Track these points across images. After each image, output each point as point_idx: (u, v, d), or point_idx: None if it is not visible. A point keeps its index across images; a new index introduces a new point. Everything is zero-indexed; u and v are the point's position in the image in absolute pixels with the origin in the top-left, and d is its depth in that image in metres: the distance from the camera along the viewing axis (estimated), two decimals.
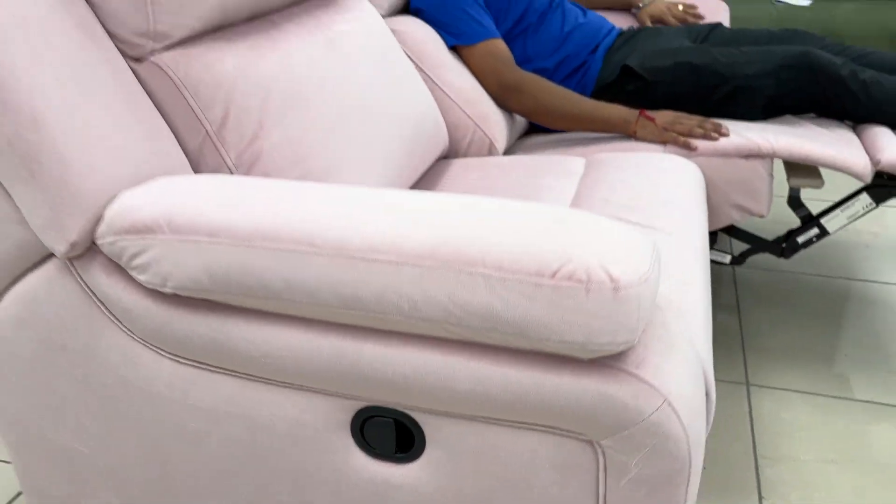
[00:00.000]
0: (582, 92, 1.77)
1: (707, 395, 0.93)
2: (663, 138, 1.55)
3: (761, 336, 1.75)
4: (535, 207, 0.79)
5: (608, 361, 0.75)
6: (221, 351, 0.85)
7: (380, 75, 1.32)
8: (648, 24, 2.13)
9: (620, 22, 2.20)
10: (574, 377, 0.75)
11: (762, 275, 2.02)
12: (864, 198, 1.53)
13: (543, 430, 0.79)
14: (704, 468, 1.37)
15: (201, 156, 1.01)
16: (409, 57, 1.60)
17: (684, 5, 2.15)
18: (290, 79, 1.10)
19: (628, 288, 0.70)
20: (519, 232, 0.74)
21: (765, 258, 2.09)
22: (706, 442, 1.39)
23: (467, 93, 1.63)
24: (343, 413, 0.85)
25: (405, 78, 1.43)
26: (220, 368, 0.87)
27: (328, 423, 0.86)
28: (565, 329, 0.71)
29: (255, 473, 0.91)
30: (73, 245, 0.84)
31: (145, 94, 0.97)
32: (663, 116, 1.57)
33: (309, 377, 0.82)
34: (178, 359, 0.88)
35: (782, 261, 2.08)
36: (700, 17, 2.16)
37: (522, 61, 1.79)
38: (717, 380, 1.60)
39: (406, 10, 1.75)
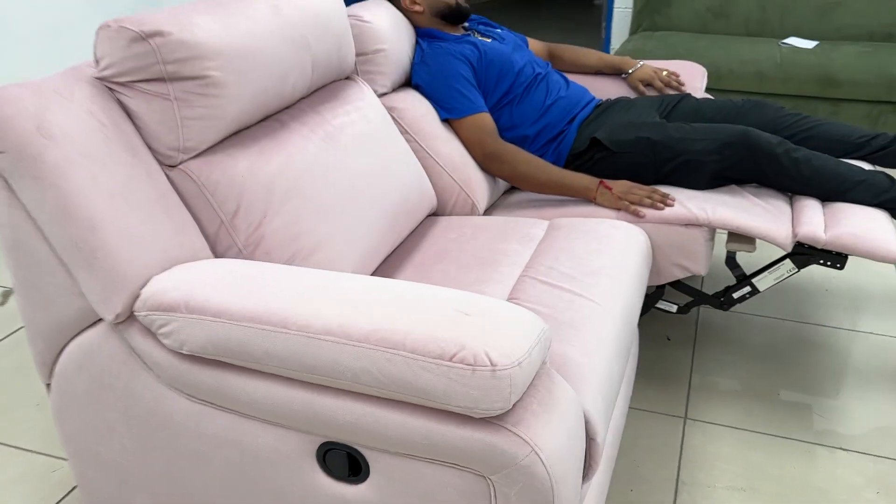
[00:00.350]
0: (557, 158, 2.04)
1: (594, 439, 1.20)
2: (617, 206, 1.81)
3: (709, 374, 2.00)
4: (450, 297, 1.07)
5: (493, 420, 1.03)
6: (222, 395, 1.15)
7: (371, 160, 1.62)
8: (640, 87, 2.34)
9: (612, 86, 2.43)
10: (469, 430, 1.03)
11: (723, 316, 2.27)
12: (788, 263, 1.77)
13: (451, 465, 1.07)
14: (631, 490, 1.64)
15: (217, 238, 1.32)
16: (406, 130, 1.89)
17: (668, 72, 2.38)
18: (290, 176, 1.41)
19: (504, 370, 0.98)
20: (430, 322, 1.02)
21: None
22: (637, 466, 1.65)
23: (455, 161, 1.92)
24: (309, 445, 1.15)
25: (396, 156, 1.72)
26: (221, 407, 1.18)
27: (299, 451, 1.16)
28: (457, 398, 0.99)
29: (246, 488, 1.22)
30: (117, 315, 1.16)
31: (175, 194, 1.28)
32: (620, 186, 1.84)
33: (283, 418, 1.12)
34: (191, 398, 1.19)
35: (745, 303, 2.32)
36: (681, 83, 2.39)
37: (508, 127, 2.06)
38: (658, 412, 1.86)
39: (409, 83, 2.04)
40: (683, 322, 2.24)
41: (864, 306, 2.31)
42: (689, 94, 2.22)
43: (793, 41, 3.82)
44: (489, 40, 2.12)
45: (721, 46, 3.77)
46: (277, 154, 1.42)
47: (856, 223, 1.71)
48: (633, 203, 1.80)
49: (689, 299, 2.25)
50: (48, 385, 1.33)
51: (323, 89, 1.70)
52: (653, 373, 2.01)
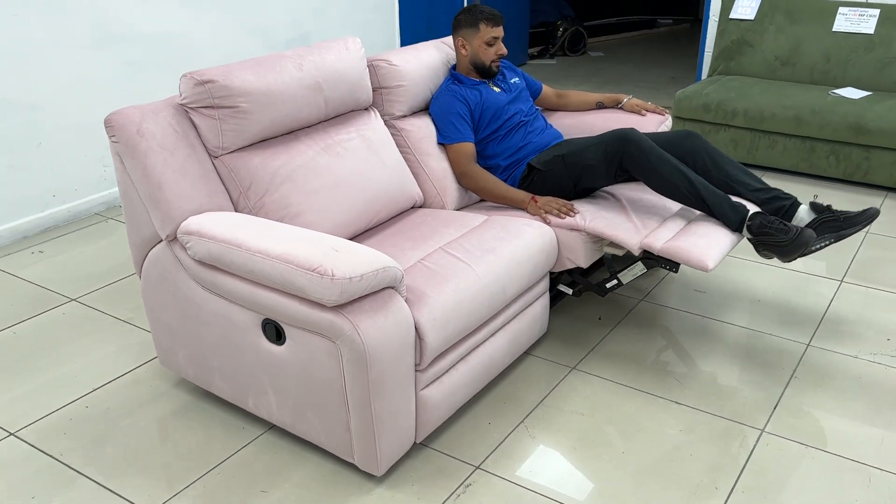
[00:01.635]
0: (513, 182, 2.77)
1: (423, 339, 1.97)
2: (537, 213, 2.53)
3: (614, 344, 2.65)
4: (335, 243, 1.89)
5: (337, 308, 1.83)
6: (216, 286, 2.04)
7: (356, 165, 2.46)
8: (634, 111, 3.08)
9: (613, 115, 3.11)
10: (325, 313, 1.84)
11: (650, 308, 2.88)
12: (640, 264, 2.41)
13: (318, 334, 1.89)
14: (504, 403, 2.35)
15: (238, 202, 2.22)
16: (408, 146, 2.72)
17: (648, 105, 3.07)
18: (288, 168, 2.29)
19: (337, 280, 1.78)
20: (315, 252, 1.84)
21: (665, 295, 2.93)
22: (517, 390, 2.33)
23: (438, 173, 2.72)
24: (256, 319, 2.01)
25: (383, 164, 2.55)
26: (216, 294, 2.07)
27: (252, 324, 2.02)
28: (315, 293, 1.81)
29: (229, 345, 2.11)
30: (167, 236, 2.09)
31: (216, 173, 2.20)
32: (543, 200, 2.55)
33: (244, 301, 2.00)
34: (203, 288, 2.10)
35: (672, 298, 2.91)
36: (661, 111, 3.07)
37: (489, 156, 2.80)
38: (555, 362, 2.54)
39: (426, 109, 2.85)
40: (618, 307, 2.88)
41: (746, 306, 2.82)
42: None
43: (844, 91, 4.20)
44: (497, 90, 2.84)
45: (772, 92, 4.24)
46: (282, 155, 2.31)
47: (692, 239, 2.33)
48: (546, 213, 2.52)
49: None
50: (140, 277, 2.30)
51: (340, 116, 2.57)
52: (569, 338, 2.69)
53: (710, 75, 4.84)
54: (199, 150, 2.19)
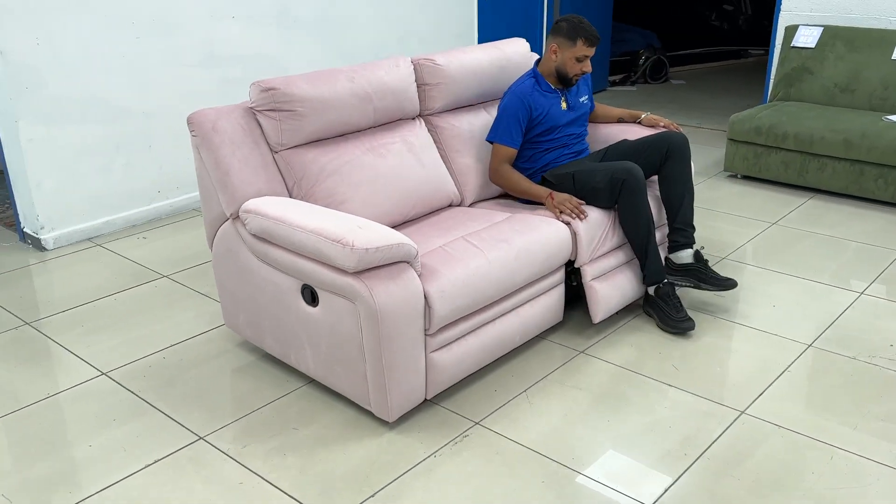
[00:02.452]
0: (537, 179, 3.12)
1: (431, 307, 2.32)
2: (551, 209, 2.84)
3: (627, 334, 2.91)
4: (359, 221, 2.28)
5: (357, 274, 2.21)
6: (266, 256, 2.47)
7: (396, 164, 2.85)
8: (653, 125, 3.36)
9: (633, 128, 3.39)
10: (347, 278, 2.23)
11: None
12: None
13: (343, 296, 2.28)
14: (512, 376, 2.67)
15: (292, 190, 2.66)
16: (440, 142, 3.10)
17: (663, 122, 3.35)
18: (336, 164, 2.70)
19: (355, 250, 2.16)
20: (341, 227, 2.24)
21: (687, 293, 3.17)
22: (529, 364, 2.63)
23: (462, 168, 3.10)
24: (296, 285, 2.42)
25: (421, 166, 2.94)
26: (267, 263, 2.50)
27: (293, 288, 2.43)
28: (339, 260, 2.20)
29: (277, 307, 2.53)
30: (231, 214, 2.54)
31: (275, 165, 2.64)
32: (559, 197, 2.86)
33: (287, 269, 2.41)
34: (258, 259, 2.53)
35: (693, 296, 3.14)
36: (676, 127, 3.32)
37: (525, 159, 3.14)
38: (567, 346, 2.84)
39: (464, 106, 3.22)
40: (637, 302, 3.14)
41: (761, 309, 3.01)
42: (624, 140, 3.21)
43: None
44: (564, 107, 3.10)
45: (825, 117, 4.39)
46: (332, 153, 2.73)
47: (606, 290, 2.90)
48: (561, 212, 2.83)
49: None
50: (211, 251, 2.76)
51: (388, 123, 2.98)
52: (585, 327, 2.98)
53: (770, 101, 4.99)
54: (262, 145, 2.64)
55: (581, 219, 2.82)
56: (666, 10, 8.87)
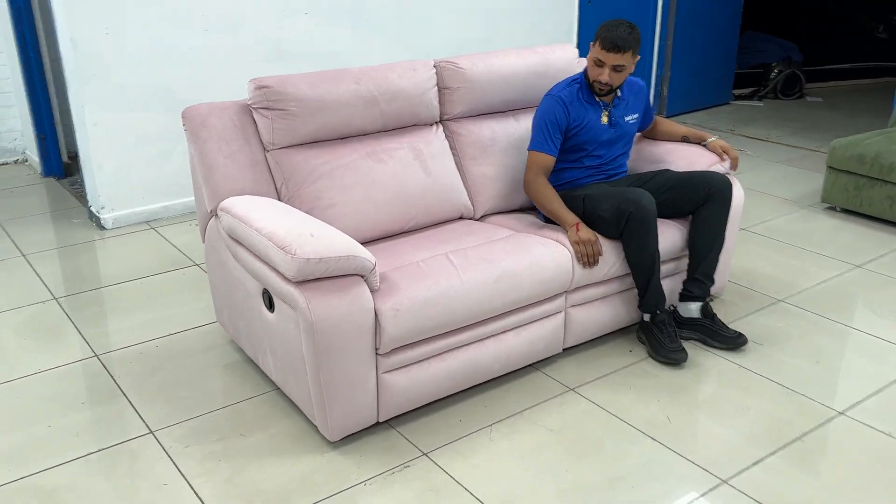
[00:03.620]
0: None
1: (384, 327, 2.19)
2: (573, 245, 2.62)
3: (630, 376, 2.64)
4: (315, 228, 2.18)
5: (299, 283, 2.12)
6: (238, 256, 2.43)
7: (398, 170, 2.73)
8: (719, 149, 3.03)
9: (696, 151, 3.09)
10: (289, 286, 2.14)
11: (696, 349, 2.80)
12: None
13: (287, 303, 2.19)
14: (485, 406, 2.48)
15: (280, 191, 2.60)
16: (456, 148, 2.95)
17: (730, 153, 3.03)
18: (328, 167, 2.62)
19: (296, 258, 2.07)
20: (292, 233, 2.15)
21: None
22: (507, 391, 2.46)
23: (476, 178, 2.94)
24: (259, 288, 2.36)
25: (430, 174, 2.80)
26: (238, 262, 2.46)
27: (257, 291, 2.38)
28: (281, 266, 2.11)
29: (247, 309, 2.48)
30: (211, 211, 2.52)
31: (265, 164, 2.60)
32: (584, 233, 2.63)
33: (252, 272, 2.36)
34: (233, 256, 2.50)
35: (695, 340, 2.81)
36: (736, 158, 3.02)
37: (557, 169, 2.88)
38: (553, 378, 2.61)
39: (487, 113, 3.04)
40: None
41: (799, 366, 2.63)
42: (667, 169, 2.92)
43: None
44: (605, 122, 2.84)
45: None
46: (326, 155, 2.65)
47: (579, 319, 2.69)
48: (575, 250, 2.61)
49: None
50: (204, 243, 2.76)
51: (399, 129, 2.86)
52: (587, 362, 2.73)
53: (891, 125, 4.42)
54: (253, 143, 2.60)
55: (591, 266, 2.62)
56: (815, 21, 8.14)
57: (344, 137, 2.75)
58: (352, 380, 2.21)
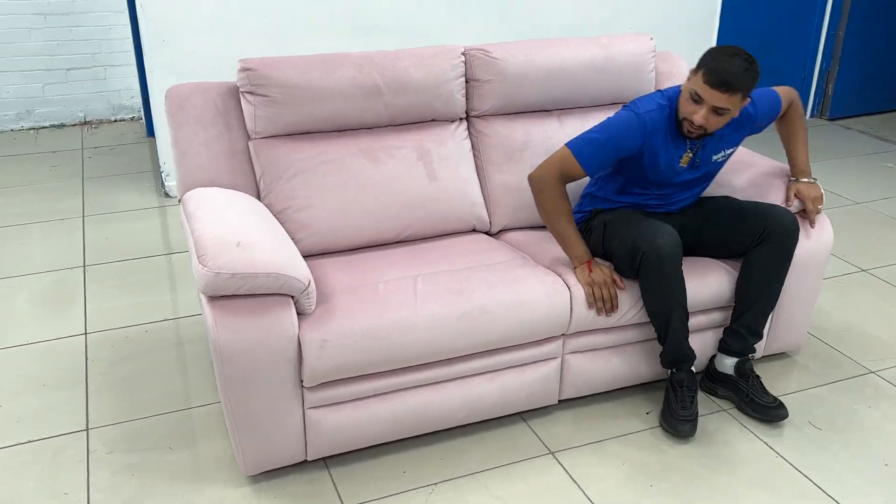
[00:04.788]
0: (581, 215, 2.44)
1: (305, 360, 1.91)
2: (584, 286, 2.18)
3: (632, 446, 2.19)
4: (246, 236, 1.92)
5: (211, 298, 1.87)
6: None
7: (395, 172, 2.40)
8: (791, 195, 2.37)
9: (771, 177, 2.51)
10: (205, 299, 1.90)
11: (730, 422, 2.28)
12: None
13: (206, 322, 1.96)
14: (441, 459, 2.13)
15: (257, 183, 2.36)
16: (478, 149, 2.58)
17: (810, 211, 2.38)
18: (310, 163, 2.34)
19: (203, 271, 1.81)
20: (219, 239, 1.91)
21: None
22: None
23: (496, 187, 2.57)
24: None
25: (436, 178, 2.44)
26: None
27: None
28: (196, 277, 1.88)
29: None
30: (180, 195, 2.32)
31: (246, 153, 2.36)
32: (598, 275, 2.18)
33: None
34: None
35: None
36: (813, 215, 2.39)
37: (595, 185, 2.45)
38: (536, 434, 2.20)
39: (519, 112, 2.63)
40: None
41: (869, 469, 2.03)
42: (727, 197, 2.42)
43: None
44: (684, 162, 2.28)
45: None
46: (310, 149, 2.37)
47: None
48: (586, 293, 2.17)
49: None
50: None
51: (409, 124, 2.52)
52: (586, 420, 2.30)
53: None
54: (235, 130, 2.37)
55: (608, 314, 2.19)
56: None
57: (341, 130, 2.46)
58: (270, 412, 1.95)
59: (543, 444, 2.21)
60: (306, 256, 2.33)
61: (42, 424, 2.27)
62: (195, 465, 2.11)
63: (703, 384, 2.43)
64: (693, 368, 2.27)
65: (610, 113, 2.40)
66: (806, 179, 2.41)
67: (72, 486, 2.03)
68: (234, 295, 1.86)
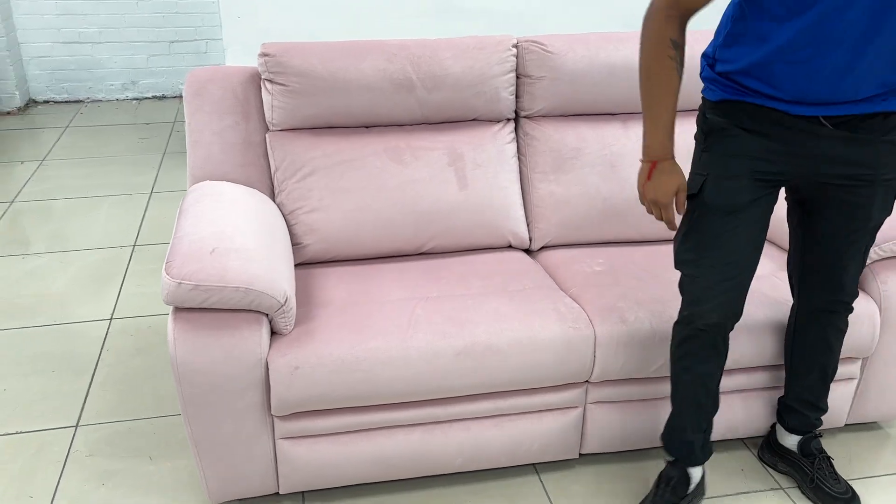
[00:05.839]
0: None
1: (273, 387, 1.70)
2: (642, 193, 1.66)
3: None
4: (228, 243, 1.73)
5: (176, 310, 1.69)
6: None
7: (420, 176, 2.14)
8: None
9: None
10: (172, 314, 1.73)
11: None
12: None
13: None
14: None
15: (272, 175, 2.16)
16: (524, 154, 2.28)
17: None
18: (327, 161, 2.12)
19: (166, 279, 1.64)
20: (196, 246, 1.72)
21: None
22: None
23: (541, 198, 2.25)
24: None
25: (466, 185, 2.17)
26: None
27: None
28: (163, 287, 1.71)
29: None
30: (189, 187, 2.17)
31: (263, 145, 2.17)
32: (652, 190, 1.62)
33: None
34: None
35: None
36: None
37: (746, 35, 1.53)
38: (542, 493, 1.90)
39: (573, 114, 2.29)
40: (739, 478, 1.97)
41: None
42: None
43: None
44: None
45: None
46: (330, 146, 2.14)
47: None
48: (647, 206, 1.66)
49: None
50: None
51: (447, 123, 2.25)
52: (610, 481, 1.97)
53: None
54: (253, 120, 2.18)
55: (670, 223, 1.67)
56: None
57: (368, 126, 2.22)
58: (234, 439, 1.76)
59: (551, 502, 1.90)
60: (312, 264, 2.14)
61: (35, 415, 2.19)
62: (170, 480, 1.96)
63: (761, 453, 2.05)
64: (699, 470, 1.85)
65: (685, 118, 2.01)
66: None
67: (41, 488, 1.93)
68: (201, 308, 1.68)
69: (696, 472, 1.83)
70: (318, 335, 1.76)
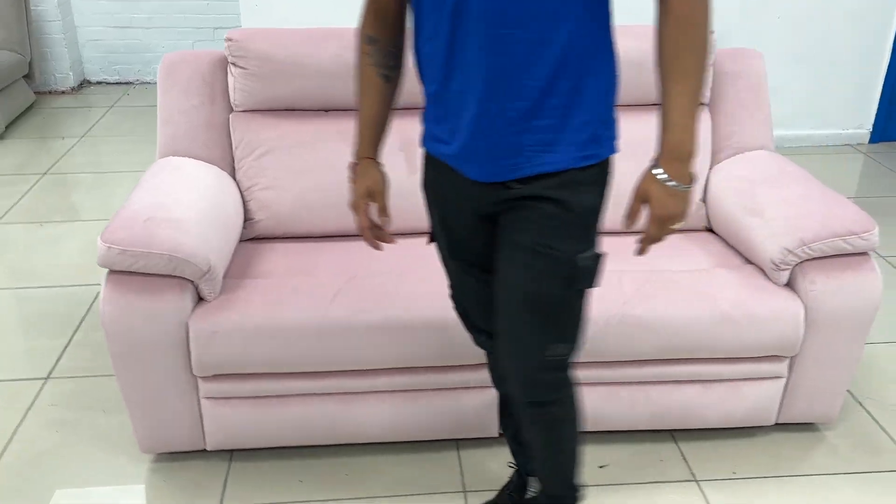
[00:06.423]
0: None
1: (189, 334, 1.83)
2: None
3: None
4: (167, 213, 1.87)
5: (111, 274, 1.83)
6: None
7: None
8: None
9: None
10: (107, 277, 1.87)
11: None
12: None
13: None
14: (346, 475, 1.97)
15: (234, 152, 2.28)
16: None
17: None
18: (283, 142, 2.23)
19: (101, 244, 1.78)
20: (135, 213, 1.87)
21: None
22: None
23: None
24: None
25: (414, 173, 2.23)
26: None
27: None
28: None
29: None
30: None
31: (226, 125, 2.30)
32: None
33: None
34: None
35: None
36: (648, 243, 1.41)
37: None
38: (456, 468, 1.97)
39: None
40: (660, 468, 2.00)
41: None
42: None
43: None
44: None
45: None
46: (287, 127, 2.25)
47: None
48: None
49: None
50: None
51: (405, 109, 2.30)
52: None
53: None
54: (219, 102, 2.31)
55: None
56: None
57: (326, 110, 2.32)
58: (160, 395, 1.90)
59: (462, 479, 1.97)
60: (263, 239, 2.25)
61: (16, 365, 2.39)
62: (117, 432, 2.12)
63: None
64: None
65: (642, 115, 2.05)
66: (663, 173, 1.30)
67: (1, 430, 2.11)
68: (131, 272, 1.82)
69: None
70: (240, 303, 1.88)
